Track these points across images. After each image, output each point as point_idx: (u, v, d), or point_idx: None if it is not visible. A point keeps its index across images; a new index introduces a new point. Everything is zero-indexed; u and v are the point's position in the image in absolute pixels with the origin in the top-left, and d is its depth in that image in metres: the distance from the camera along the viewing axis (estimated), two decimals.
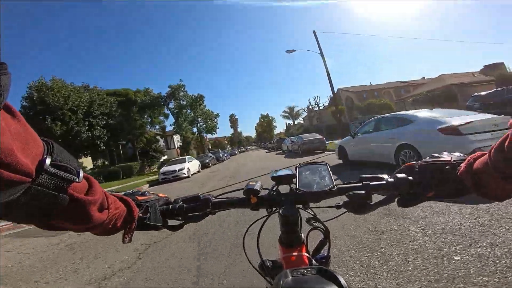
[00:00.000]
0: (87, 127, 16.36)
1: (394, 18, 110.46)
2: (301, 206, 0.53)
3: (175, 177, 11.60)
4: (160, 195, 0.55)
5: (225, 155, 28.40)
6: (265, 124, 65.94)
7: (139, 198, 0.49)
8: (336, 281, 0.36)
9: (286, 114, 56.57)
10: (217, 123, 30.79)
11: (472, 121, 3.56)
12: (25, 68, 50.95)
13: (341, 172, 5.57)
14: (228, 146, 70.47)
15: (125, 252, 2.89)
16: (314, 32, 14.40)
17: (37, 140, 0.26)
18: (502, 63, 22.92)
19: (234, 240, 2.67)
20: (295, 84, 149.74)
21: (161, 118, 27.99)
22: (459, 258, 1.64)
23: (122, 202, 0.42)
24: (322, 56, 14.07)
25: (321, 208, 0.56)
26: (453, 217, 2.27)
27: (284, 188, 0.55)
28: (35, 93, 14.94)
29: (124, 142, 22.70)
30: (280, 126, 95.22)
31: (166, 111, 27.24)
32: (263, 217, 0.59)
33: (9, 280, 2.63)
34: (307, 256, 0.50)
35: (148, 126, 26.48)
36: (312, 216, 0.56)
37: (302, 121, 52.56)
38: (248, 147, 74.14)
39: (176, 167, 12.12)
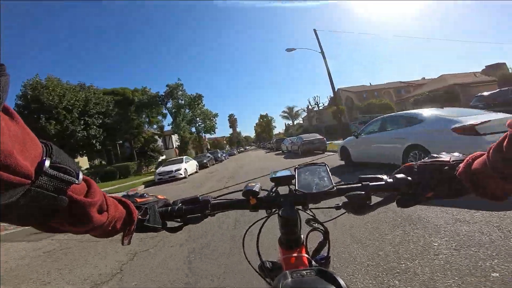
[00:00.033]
0: (82, 126, 16.05)
1: (394, 18, 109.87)
2: (300, 207, 0.53)
3: (171, 178, 11.48)
4: (159, 197, 0.55)
5: (224, 155, 28.21)
6: (264, 124, 65.70)
7: (138, 200, 0.49)
8: (335, 282, 0.36)
9: (286, 115, 56.46)
10: (216, 123, 30.56)
11: (489, 120, 3.32)
12: (25, 68, 49.94)
13: (345, 173, 5.34)
14: (227, 146, 70.39)
15: (114, 257, 2.64)
16: (314, 30, 14.15)
17: (36, 142, 0.26)
18: (504, 63, 22.74)
19: (233, 242, 2.62)
20: (294, 84, 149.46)
21: (159, 117, 27.69)
22: (497, 274, 1.43)
23: (121, 204, 0.41)
24: (323, 54, 13.80)
25: (320, 209, 0.56)
26: (479, 226, 2.02)
27: (283, 189, 0.55)
28: (29, 91, 14.63)
29: (121, 141, 22.42)
30: (279, 127, 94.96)
31: (164, 111, 26.96)
32: (262, 218, 0.58)
33: None
34: (306, 257, 0.50)
35: (146, 126, 26.16)
36: (311, 217, 0.56)
37: (301, 122, 52.40)
38: (247, 147, 74.25)
39: (173, 167, 12.01)
